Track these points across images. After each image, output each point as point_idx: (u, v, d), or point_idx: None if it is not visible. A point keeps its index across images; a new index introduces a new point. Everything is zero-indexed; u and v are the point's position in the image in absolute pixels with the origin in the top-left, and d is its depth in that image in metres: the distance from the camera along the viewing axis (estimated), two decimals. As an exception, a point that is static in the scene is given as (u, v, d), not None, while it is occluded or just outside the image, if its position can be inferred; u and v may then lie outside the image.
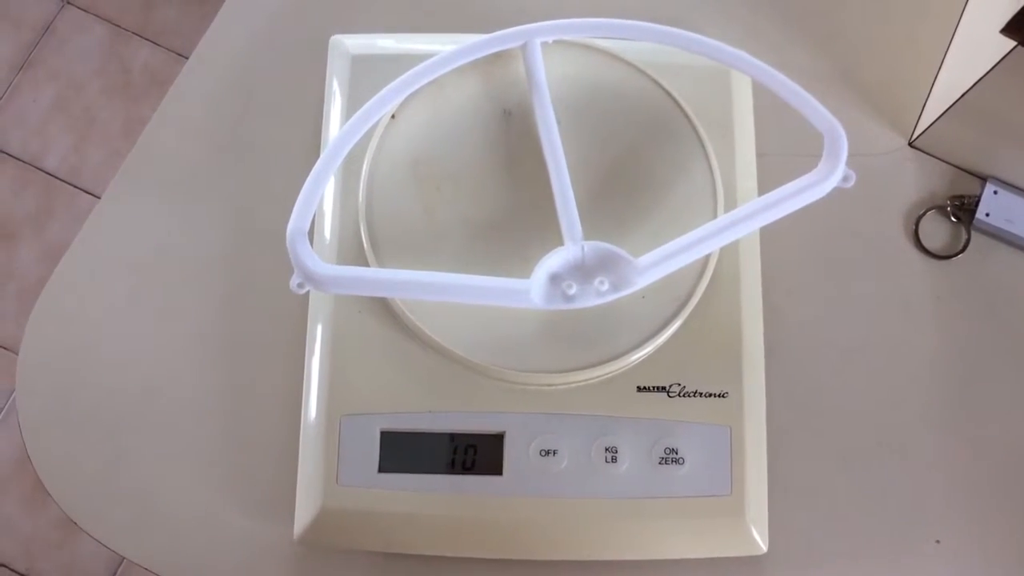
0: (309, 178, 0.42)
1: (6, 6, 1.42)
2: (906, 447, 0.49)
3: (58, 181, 1.36)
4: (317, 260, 0.41)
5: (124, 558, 1.18)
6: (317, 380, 0.46)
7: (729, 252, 0.47)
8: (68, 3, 1.43)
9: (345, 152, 0.43)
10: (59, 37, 1.42)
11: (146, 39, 1.42)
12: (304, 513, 0.45)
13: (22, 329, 0.52)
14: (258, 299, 0.51)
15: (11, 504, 1.23)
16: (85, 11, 1.43)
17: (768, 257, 0.49)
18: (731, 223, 0.42)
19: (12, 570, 1.21)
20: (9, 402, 1.28)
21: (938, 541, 0.48)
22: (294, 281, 0.41)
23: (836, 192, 0.43)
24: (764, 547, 0.45)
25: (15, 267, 1.32)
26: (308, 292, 0.45)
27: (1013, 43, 0.42)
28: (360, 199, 0.46)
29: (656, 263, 0.42)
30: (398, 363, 0.46)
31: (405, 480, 0.44)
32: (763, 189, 0.43)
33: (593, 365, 0.45)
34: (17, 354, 0.51)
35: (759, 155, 0.50)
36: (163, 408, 0.50)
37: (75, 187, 1.35)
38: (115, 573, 1.21)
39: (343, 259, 0.47)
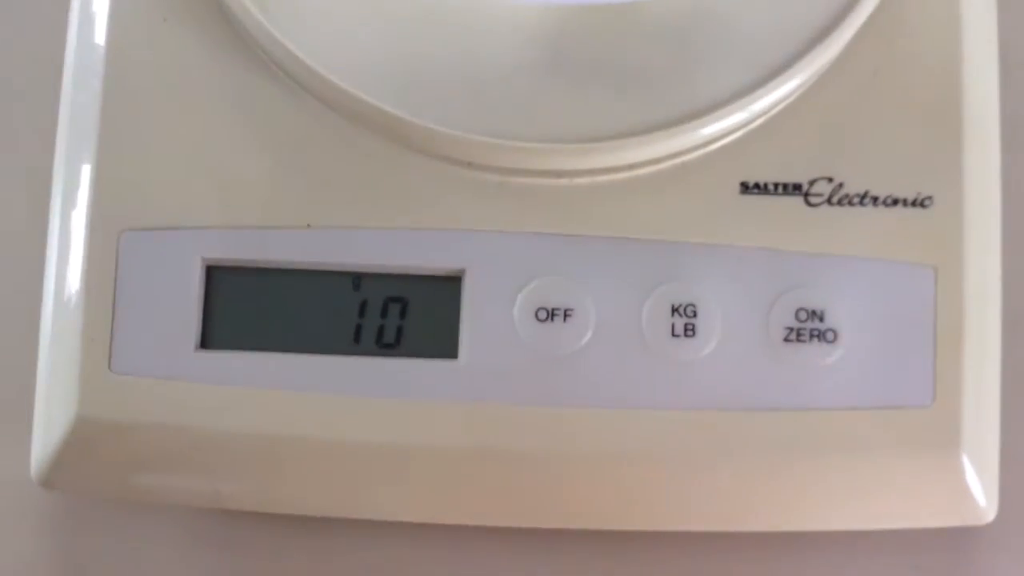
0: None
1: None
2: None
3: None
4: None
5: None
6: (71, 164, 0.23)
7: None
8: None
9: None
10: None
11: None
12: (48, 433, 0.22)
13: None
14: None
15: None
16: None
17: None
18: None
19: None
20: None
21: None
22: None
23: None
24: (990, 511, 0.23)
25: None
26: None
27: None
28: None
29: None
30: (241, 124, 0.23)
31: (256, 365, 0.22)
32: None
33: (649, 131, 0.22)
34: None
35: None
36: None
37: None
38: None
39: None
